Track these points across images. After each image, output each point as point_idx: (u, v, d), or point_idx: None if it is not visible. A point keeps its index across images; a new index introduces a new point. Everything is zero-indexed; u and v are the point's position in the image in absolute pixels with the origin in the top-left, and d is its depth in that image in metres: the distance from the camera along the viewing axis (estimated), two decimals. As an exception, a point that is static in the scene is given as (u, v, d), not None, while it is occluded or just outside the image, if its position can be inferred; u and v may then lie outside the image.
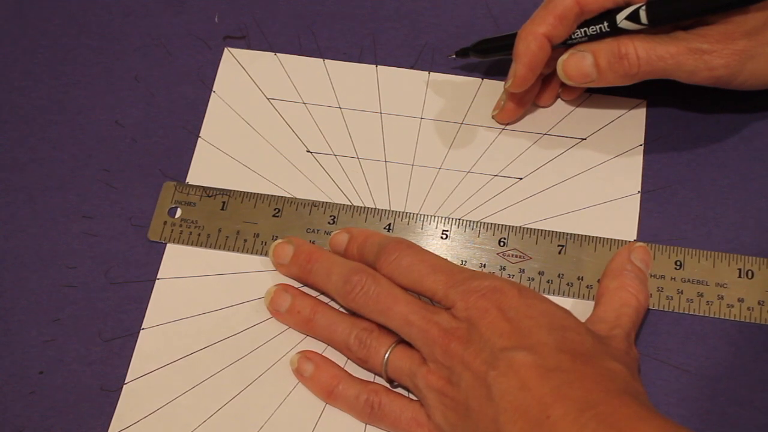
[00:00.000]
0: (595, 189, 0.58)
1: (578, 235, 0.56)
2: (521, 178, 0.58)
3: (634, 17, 0.53)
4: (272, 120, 0.61)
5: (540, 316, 0.47)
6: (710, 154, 0.59)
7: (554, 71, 0.56)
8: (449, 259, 0.55)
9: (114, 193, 0.59)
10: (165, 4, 0.65)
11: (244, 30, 0.64)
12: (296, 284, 0.55)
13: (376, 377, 0.52)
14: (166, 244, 0.57)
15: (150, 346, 0.54)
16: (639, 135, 0.59)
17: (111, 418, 0.52)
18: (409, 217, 0.57)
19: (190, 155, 0.60)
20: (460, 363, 0.47)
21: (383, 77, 0.62)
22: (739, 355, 0.53)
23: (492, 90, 0.61)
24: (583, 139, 0.59)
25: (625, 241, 0.56)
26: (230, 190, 0.58)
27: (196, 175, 0.59)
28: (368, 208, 0.57)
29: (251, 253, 0.56)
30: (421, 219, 0.57)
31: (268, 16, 0.64)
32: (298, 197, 0.58)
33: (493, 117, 0.60)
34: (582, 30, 0.55)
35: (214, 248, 0.56)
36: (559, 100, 0.60)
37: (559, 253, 0.55)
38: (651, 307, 0.54)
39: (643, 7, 0.53)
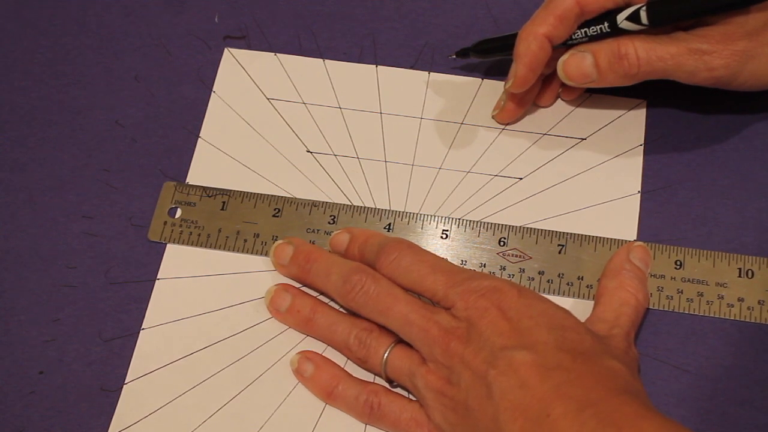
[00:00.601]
0: (595, 189, 0.58)
1: (578, 234, 0.56)
2: (521, 178, 0.58)
3: (634, 18, 0.53)
4: (272, 120, 0.61)
5: (540, 315, 0.47)
6: (710, 154, 0.59)
7: (554, 71, 0.56)
8: (449, 259, 0.55)
9: (114, 193, 0.59)
10: (165, 4, 0.65)
11: (244, 30, 0.64)
12: (297, 284, 0.55)
13: (376, 378, 0.52)
14: (166, 244, 0.57)
15: (150, 346, 0.54)
16: (639, 135, 0.59)
17: (111, 418, 0.52)
18: (409, 217, 0.57)
19: (190, 155, 0.60)
20: (459, 362, 0.47)
21: (383, 77, 0.62)
22: (739, 355, 0.53)
23: (492, 90, 0.61)
24: (583, 139, 0.59)
25: (625, 240, 0.56)
26: (230, 190, 0.58)
27: (196, 175, 0.59)
28: (368, 208, 0.57)
29: (251, 253, 0.56)
30: (421, 219, 0.57)
31: (268, 16, 0.64)
32: (298, 197, 0.58)
33: (493, 117, 0.60)
34: (582, 30, 0.55)
35: (214, 248, 0.56)
36: (559, 100, 0.60)
37: (559, 252, 0.55)
38: (651, 307, 0.54)
39: (644, 8, 0.53)
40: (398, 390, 0.52)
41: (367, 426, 0.51)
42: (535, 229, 0.56)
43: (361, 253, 0.53)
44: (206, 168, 0.59)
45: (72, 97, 0.62)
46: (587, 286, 0.54)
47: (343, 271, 0.51)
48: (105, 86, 0.62)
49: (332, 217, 0.57)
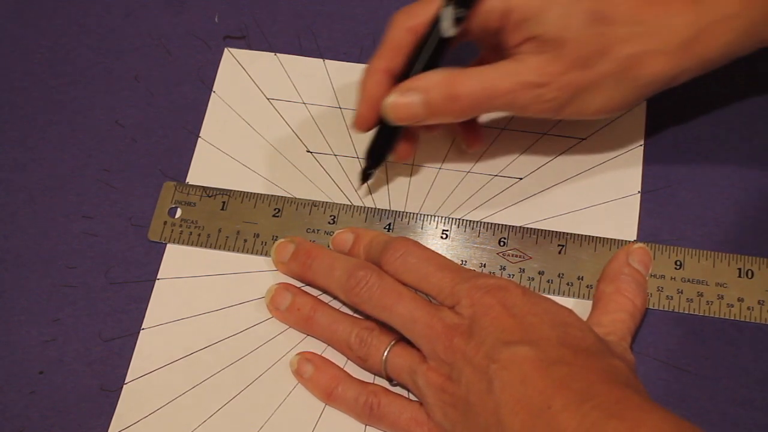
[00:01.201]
0: (595, 189, 0.58)
1: (578, 235, 0.56)
2: (521, 178, 0.58)
3: (450, 21, 0.51)
4: (272, 120, 0.61)
5: (543, 313, 0.48)
6: (710, 154, 0.59)
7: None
8: (449, 258, 0.55)
9: (114, 193, 0.59)
10: (165, 4, 0.65)
11: (244, 30, 0.64)
12: (298, 284, 0.55)
13: (376, 378, 0.52)
14: (166, 244, 0.57)
15: (150, 346, 0.54)
16: (639, 135, 0.59)
17: (111, 418, 0.52)
18: (409, 217, 0.57)
19: (190, 155, 0.60)
20: (461, 358, 0.47)
21: (383, 77, 0.62)
22: (739, 355, 0.53)
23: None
24: (583, 139, 0.59)
25: (625, 241, 0.56)
26: (230, 190, 0.58)
27: (196, 175, 0.59)
28: (368, 208, 0.57)
29: (251, 253, 0.56)
30: (421, 219, 0.57)
31: (268, 16, 0.64)
32: (298, 197, 0.58)
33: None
34: (421, 56, 0.52)
35: (214, 248, 0.56)
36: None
37: (559, 253, 0.55)
38: (651, 307, 0.54)
39: (447, 7, 0.50)
40: (398, 390, 0.52)
41: (367, 426, 0.51)
42: (535, 229, 0.56)
43: (366, 252, 0.53)
44: (206, 168, 0.59)
45: (72, 97, 0.62)
46: (587, 286, 0.54)
47: (348, 267, 0.51)
48: (105, 86, 0.62)
49: (332, 217, 0.57)
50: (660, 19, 0.50)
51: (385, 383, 0.52)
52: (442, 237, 0.56)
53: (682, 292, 0.54)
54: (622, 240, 0.56)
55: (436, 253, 0.52)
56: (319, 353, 0.53)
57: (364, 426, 0.51)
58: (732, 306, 0.54)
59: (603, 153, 0.59)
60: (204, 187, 0.58)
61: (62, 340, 0.54)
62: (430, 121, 0.52)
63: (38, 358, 0.54)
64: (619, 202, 0.57)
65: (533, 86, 0.51)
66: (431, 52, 0.52)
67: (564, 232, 0.56)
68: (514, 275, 0.55)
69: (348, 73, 0.62)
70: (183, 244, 0.57)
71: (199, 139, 0.60)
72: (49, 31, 0.64)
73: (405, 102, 0.52)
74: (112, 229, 0.57)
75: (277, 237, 0.56)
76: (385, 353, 0.50)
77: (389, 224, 0.57)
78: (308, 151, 0.60)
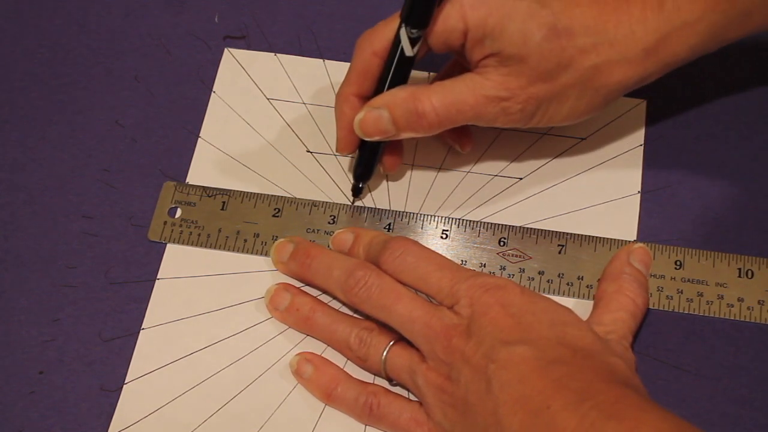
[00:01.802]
0: (595, 189, 0.58)
1: (578, 235, 0.56)
2: (521, 178, 0.58)
3: (407, 41, 0.51)
4: (272, 120, 0.61)
5: (541, 312, 0.48)
6: (710, 154, 0.59)
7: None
8: (449, 258, 0.55)
9: (114, 193, 0.59)
10: (165, 4, 0.65)
11: (244, 30, 0.64)
12: (297, 284, 0.55)
13: (376, 379, 0.52)
14: (166, 244, 0.57)
15: (150, 346, 0.54)
16: (639, 135, 0.59)
17: (111, 418, 0.52)
18: (409, 217, 0.57)
19: (190, 155, 0.60)
20: (460, 358, 0.47)
21: (383, 77, 0.62)
22: (739, 355, 0.53)
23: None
24: (583, 139, 0.59)
25: (625, 241, 0.56)
26: (230, 190, 0.58)
27: (196, 175, 0.59)
28: (368, 208, 0.57)
29: (251, 253, 0.56)
30: (421, 219, 0.57)
31: (268, 16, 0.64)
32: (298, 197, 0.58)
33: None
34: (388, 76, 0.53)
35: (214, 248, 0.56)
36: None
37: (559, 253, 0.55)
38: (651, 307, 0.54)
39: (402, 28, 0.51)
40: (398, 390, 0.52)
41: (367, 426, 0.51)
42: (535, 229, 0.56)
43: (365, 252, 0.53)
44: (206, 168, 0.59)
45: (72, 97, 0.62)
46: (587, 286, 0.54)
47: (347, 267, 0.51)
48: (105, 86, 0.62)
49: (332, 217, 0.57)
50: (621, 28, 0.50)
51: (384, 383, 0.52)
52: (442, 237, 0.56)
53: (682, 292, 0.54)
54: (622, 240, 0.56)
55: (435, 252, 0.52)
56: (319, 353, 0.53)
57: (364, 426, 0.51)
58: (732, 306, 0.54)
59: (603, 153, 0.59)
60: (204, 187, 0.58)
61: (62, 340, 0.54)
62: (402, 136, 0.53)
63: (38, 358, 0.54)
64: (619, 202, 0.57)
65: (498, 100, 0.51)
66: (395, 71, 0.52)
67: (564, 232, 0.56)
68: (514, 275, 0.55)
69: (348, 73, 0.62)
70: (183, 244, 0.57)
71: (199, 139, 0.60)
72: (49, 31, 0.64)
73: (373, 117, 0.52)
74: (112, 229, 0.57)
75: (277, 237, 0.56)
76: (385, 353, 0.50)
77: (389, 224, 0.57)
78: (308, 151, 0.60)
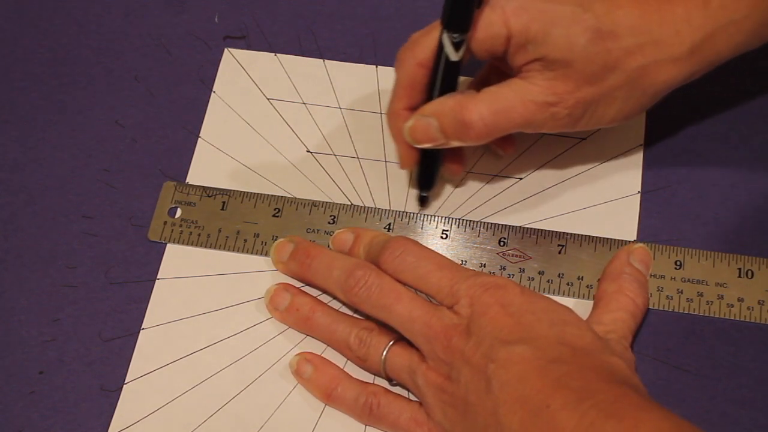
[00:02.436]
0: (595, 189, 0.58)
1: (578, 235, 0.56)
2: (521, 178, 0.58)
3: (450, 46, 0.51)
4: (272, 120, 0.61)
5: (541, 312, 0.48)
6: (710, 154, 0.59)
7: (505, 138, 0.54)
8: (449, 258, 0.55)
9: (114, 193, 0.59)
10: (165, 4, 0.65)
11: (244, 30, 0.64)
12: (297, 284, 0.55)
13: (376, 379, 0.52)
14: (166, 244, 0.57)
15: (150, 346, 0.54)
16: (639, 135, 0.59)
17: (111, 418, 0.52)
18: (409, 217, 0.57)
19: (190, 155, 0.60)
20: (460, 358, 0.47)
21: (383, 77, 0.62)
22: (739, 355, 0.53)
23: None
24: (583, 139, 0.59)
25: (625, 241, 0.56)
26: (230, 190, 0.58)
27: (196, 175, 0.59)
28: (368, 207, 0.57)
29: (251, 253, 0.56)
30: (421, 219, 0.57)
31: (268, 16, 0.64)
32: (298, 197, 0.58)
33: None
34: (435, 84, 0.52)
35: (214, 248, 0.56)
36: None
37: (559, 253, 0.55)
38: (651, 307, 0.54)
39: (444, 34, 0.50)
40: (398, 390, 0.52)
41: (367, 426, 0.51)
42: (535, 229, 0.56)
43: (366, 252, 0.53)
44: (206, 168, 0.59)
45: (72, 97, 0.62)
46: (587, 286, 0.54)
47: (346, 267, 0.51)
48: (105, 86, 0.62)
49: (332, 217, 0.57)
50: (666, 27, 0.50)
51: (384, 383, 0.52)
52: (442, 237, 0.56)
53: (682, 292, 0.54)
54: (622, 240, 0.56)
55: (435, 252, 0.52)
56: (319, 353, 0.53)
57: (364, 426, 0.51)
58: (732, 306, 0.54)
59: (603, 153, 0.59)
60: (204, 187, 0.58)
61: (62, 340, 0.54)
62: (452, 145, 0.52)
63: (38, 358, 0.54)
64: (619, 202, 0.57)
65: (546, 105, 0.51)
66: (443, 78, 0.52)
67: (564, 232, 0.56)
68: (514, 275, 0.55)
69: (348, 73, 0.62)
70: (183, 244, 0.57)
71: (199, 139, 0.60)
72: (49, 31, 0.64)
73: (422, 125, 0.52)
74: (112, 229, 0.57)
75: (277, 237, 0.56)
76: (384, 353, 0.50)
77: (389, 224, 0.57)
78: (308, 151, 0.60)
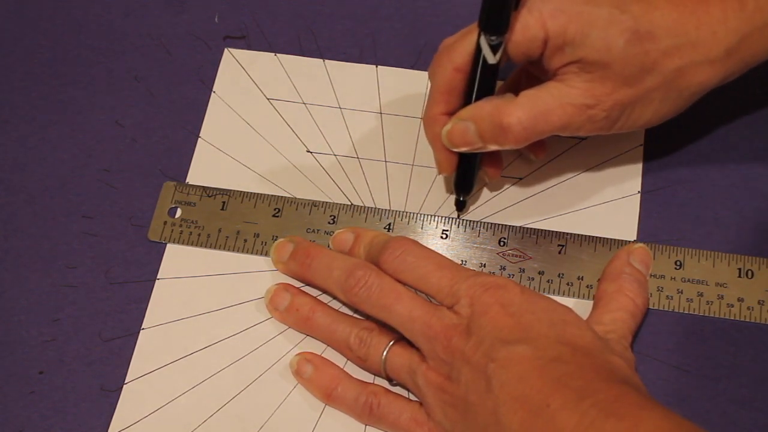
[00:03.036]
0: (595, 189, 0.58)
1: (578, 235, 0.56)
2: (521, 178, 0.58)
3: (488, 49, 0.50)
4: (272, 120, 0.61)
5: (541, 311, 0.48)
6: (710, 154, 0.59)
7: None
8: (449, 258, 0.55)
9: (114, 193, 0.59)
10: (165, 4, 0.65)
11: (244, 30, 0.64)
12: (297, 284, 0.55)
13: (376, 379, 0.52)
14: (166, 244, 0.57)
15: (150, 346, 0.54)
16: (639, 135, 0.59)
17: (111, 418, 0.52)
18: (409, 217, 0.57)
19: (190, 155, 0.60)
20: (460, 358, 0.47)
21: (383, 77, 0.62)
22: (739, 355, 0.53)
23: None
24: (583, 139, 0.59)
25: (625, 241, 0.56)
26: (230, 190, 0.58)
27: (196, 175, 0.59)
28: (368, 207, 0.57)
29: (251, 253, 0.56)
30: (421, 219, 0.57)
31: (268, 16, 0.64)
32: (298, 197, 0.58)
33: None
34: (474, 88, 0.52)
35: (214, 248, 0.56)
36: None
37: (559, 253, 0.55)
38: (651, 307, 0.54)
39: (482, 37, 0.50)
40: (398, 390, 0.52)
41: (367, 426, 0.51)
42: (535, 229, 0.56)
43: (366, 252, 0.53)
44: (206, 168, 0.59)
45: (72, 97, 0.62)
46: (587, 287, 0.54)
47: (346, 267, 0.51)
48: (105, 86, 0.62)
49: (332, 217, 0.57)
50: (702, 29, 0.50)
51: (384, 383, 0.52)
52: (442, 237, 0.56)
53: (682, 292, 0.54)
54: (622, 240, 0.56)
55: (435, 252, 0.52)
56: (319, 353, 0.53)
57: (364, 426, 0.51)
58: (732, 306, 0.54)
59: (603, 153, 0.59)
60: (204, 187, 0.58)
61: (62, 340, 0.54)
62: (490, 149, 0.52)
63: (38, 358, 0.54)
64: (619, 202, 0.57)
65: (584, 108, 0.51)
66: (480, 81, 0.52)
67: (564, 232, 0.56)
68: (514, 275, 0.55)
69: (348, 73, 0.62)
70: (183, 244, 0.57)
71: (199, 139, 0.60)
72: (49, 31, 0.64)
73: (460, 129, 0.52)
74: (112, 229, 0.57)
75: (277, 237, 0.56)
76: (384, 353, 0.50)
77: (389, 224, 0.57)
78: (308, 151, 0.60)
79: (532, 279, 0.55)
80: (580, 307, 0.53)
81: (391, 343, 0.51)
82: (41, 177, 0.59)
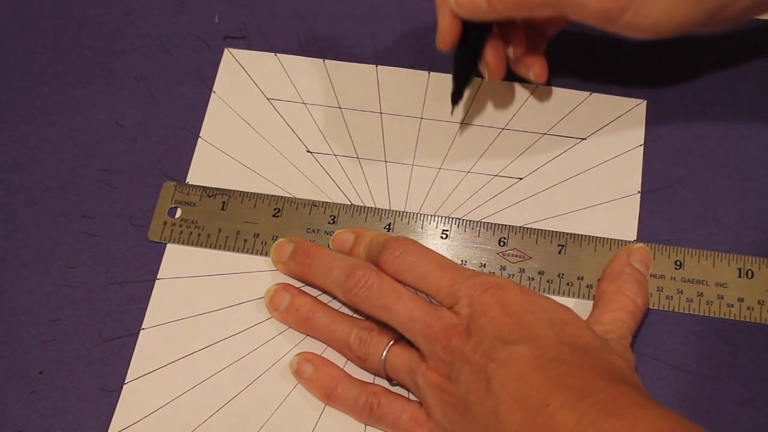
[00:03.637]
0: (595, 189, 0.58)
1: (578, 235, 0.56)
2: (521, 178, 0.58)
3: None
4: (272, 120, 0.61)
5: (541, 311, 0.48)
6: (710, 154, 0.59)
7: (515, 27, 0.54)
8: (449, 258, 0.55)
9: (114, 193, 0.59)
10: (165, 4, 0.65)
11: (244, 30, 0.64)
12: (297, 284, 0.55)
13: (376, 379, 0.52)
14: (166, 244, 0.57)
15: (150, 346, 0.54)
16: (639, 135, 0.59)
17: (111, 418, 0.52)
18: (409, 217, 0.57)
19: (190, 155, 0.60)
20: (460, 357, 0.47)
21: (383, 77, 0.62)
22: (739, 355, 0.53)
23: (493, 90, 0.61)
24: (583, 139, 0.59)
25: (625, 241, 0.56)
26: (230, 190, 0.58)
27: (196, 175, 0.59)
28: (368, 207, 0.57)
29: (251, 253, 0.56)
30: (421, 219, 0.57)
31: (268, 16, 0.64)
32: (298, 197, 0.58)
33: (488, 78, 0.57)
34: None
35: (214, 248, 0.56)
36: (557, 98, 0.60)
37: (559, 253, 0.55)
38: (651, 307, 0.54)
39: None
40: (398, 390, 0.52)
41: (367, 426, 0.51)
42: (535, 229, 0.56)
43: (366, 252, 0.53)
44: (206, 168, 0.59)
45: (72, 97, 0.62)
46: (587, 286, 0.54)
47: (346, 267, 0.51)
48: (105, 86, 0.62)
49: (332, 217, 0.57)
50: None
51: (384, 383, 0.52)
52: (442, 237, 0.56)
53: (682, 292, 0.54)
54: (622, 240, 0.56)
55: (435, 252, 0.52)
56: (319, 353, 0.53)
57: (364, 426, 0.51)
58: (732, 306, 0.54)
59: (603, 153, 0.59)
60: (204, 187, 0.58)
61: (62, 340, 0.54)
62: (494, 16, 0.51)
63: (38, 358, 0.54)
64: (619, 202, 0.57)
65: None
66: None
67: (564, 232, 0.56)
68: (514, 275, 0.55)
69: (348, 73, 0.62)
70: (183, 244, 0.57)
71: (199, 139, 0.60)
72: (49, 31, 0.64)
73: None
74: (112, 229, 0.57)
75: (277, 237, 0.56)
76: (384, 353, 0.51)
77: (389, 224, 0.57)
78: (308, 151, 0.60)
79: (532, 279, 0.55)
80: (580, 307, 0.53)
81: (391, 343, 0.51)
82: (41, 177, 0.59)
